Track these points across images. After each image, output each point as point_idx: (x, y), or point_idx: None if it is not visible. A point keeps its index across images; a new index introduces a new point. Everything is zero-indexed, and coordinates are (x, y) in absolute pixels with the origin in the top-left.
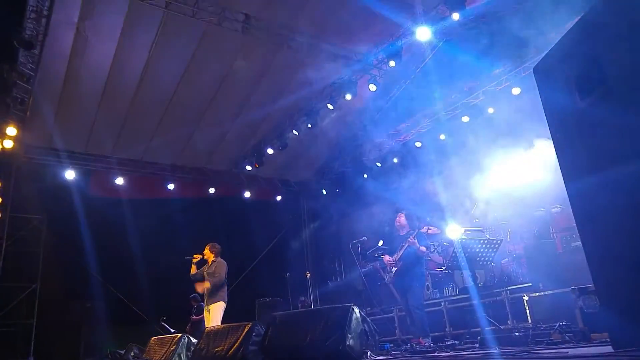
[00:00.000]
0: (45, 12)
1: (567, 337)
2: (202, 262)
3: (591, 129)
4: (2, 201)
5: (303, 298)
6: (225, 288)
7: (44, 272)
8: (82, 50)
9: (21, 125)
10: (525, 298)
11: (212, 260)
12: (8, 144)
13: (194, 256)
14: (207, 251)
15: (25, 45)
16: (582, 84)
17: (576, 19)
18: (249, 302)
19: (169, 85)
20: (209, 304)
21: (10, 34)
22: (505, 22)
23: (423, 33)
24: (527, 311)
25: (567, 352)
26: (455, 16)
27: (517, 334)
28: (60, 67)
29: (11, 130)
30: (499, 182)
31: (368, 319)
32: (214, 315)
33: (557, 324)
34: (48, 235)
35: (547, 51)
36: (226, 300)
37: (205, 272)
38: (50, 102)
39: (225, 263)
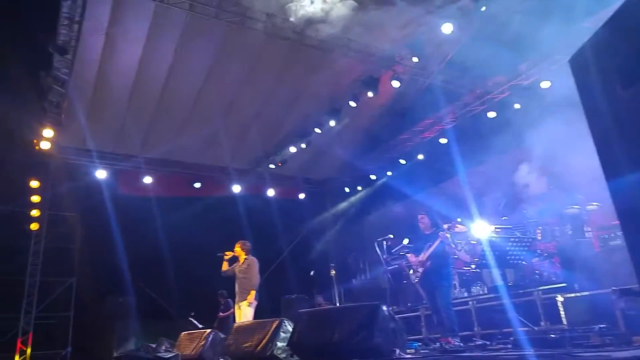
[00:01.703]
0: (77, 19)
1: (607, 340)
2: (234, 259)
3: (634, 121)
4: (40, 200)
5: (320, 300)
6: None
7: (80, 268)
8: (111, 54)
9: (57, 127)
10: (560, 299)
11: (244, 258)
12: (45, 145)
13: (225, 253)
14: (237, 248)
15: (59, 51)
16: (625, 74)
17: (614, 8)
18: (274, 299)
19: (194, 85)
20: (240, 300)
21: (46, 41)
22: (532, 13)
23: (447, 27)
24: (562, 312)
25: (610, 356)
26: (481, 9)
27: (553, 335)
28: (91, 71)
29: (48, 133)
30: (528, 179)
31: (396, 317)
32: (246, 312)
33: (597, 327)
34: (82, 232)
35: (585, 42)
36: (257, 297)
37: (236, 270)
38: (83, 105)
39: (257, 261)
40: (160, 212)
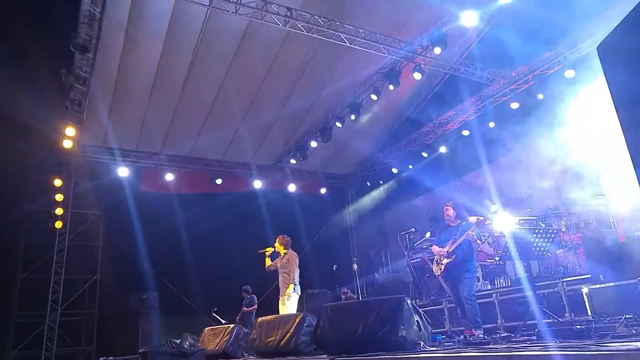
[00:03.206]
0: (97, 17)
1: (634, 331)
2: (275, 254)
3: None
4: (63, 198)
5: (345, 290)
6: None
7: (103, 265)
8: (131, 51)
9: (79, 125)
10: (585, 290)
11: (284, 253)
12: (67, 144)
13: (267, 249)
14: (277, 244)
15: (80, 50)
16: None
17: None
18: None
19: (214, 81)
20: (282, 295)
21: (67, 39)
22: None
23: (469, 18)
24: (587, 304)
25: (638, 346)
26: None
27: (578, 327)
28: (112, 69)
29: (70, 131)
30: (551, 171)
31: (420, 310)
32: (290, 305)
33: (623, 317)
34: (105, 230)
35: (613, 28)
36: (299, 290)
37: (278, 265)
38: (104, 103)
39: (296, 255)
40: (182, 208)
